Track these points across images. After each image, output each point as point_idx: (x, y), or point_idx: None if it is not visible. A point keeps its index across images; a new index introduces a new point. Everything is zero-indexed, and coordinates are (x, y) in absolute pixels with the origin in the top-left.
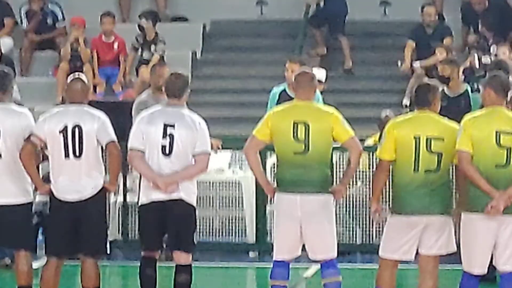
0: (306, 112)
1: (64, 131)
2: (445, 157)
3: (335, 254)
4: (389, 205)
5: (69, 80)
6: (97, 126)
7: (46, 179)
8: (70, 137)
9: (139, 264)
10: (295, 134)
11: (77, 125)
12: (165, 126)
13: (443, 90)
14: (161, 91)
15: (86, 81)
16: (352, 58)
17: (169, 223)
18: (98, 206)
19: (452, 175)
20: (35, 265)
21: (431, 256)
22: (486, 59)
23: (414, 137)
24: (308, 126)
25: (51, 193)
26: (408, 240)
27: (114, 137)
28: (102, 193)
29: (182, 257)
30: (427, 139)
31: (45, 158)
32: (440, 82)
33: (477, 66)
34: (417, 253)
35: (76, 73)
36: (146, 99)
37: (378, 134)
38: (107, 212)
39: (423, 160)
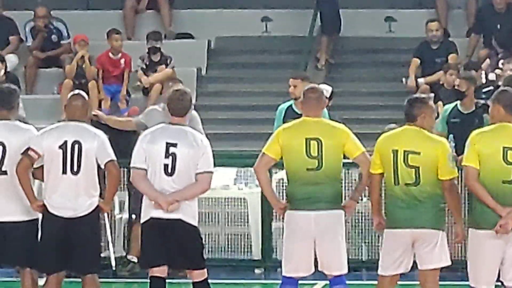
0: (317, 129)
1: (63, 146)
2: (422, 171)
3: (346, 270)
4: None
5: (69, 96)
6: (96, 144)
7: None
8: (69, 153)
9: (143, 281)
10: (308, 151)
11: (77, 142)
12: (168, 145)
13: (456, 106)
14: None
15: (86, 98)
16: (356, 74)
17: (171, 244)
18: (91, 224)
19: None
20: (41, 282)
21: (427, 270)
22: (492, 76)
23: (392, 151)
24: (321, 142)
25: (44, 209)
26: (400, 254)
27: (114, 156)
28: (96, 212)
29: (196, 274)
30: (404, 153)
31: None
32: (454, 96)
33: (484, 81)
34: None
35: (76, 90)
36: (157, 109)
37: None
38: (102, 231)
39: (401, 174)
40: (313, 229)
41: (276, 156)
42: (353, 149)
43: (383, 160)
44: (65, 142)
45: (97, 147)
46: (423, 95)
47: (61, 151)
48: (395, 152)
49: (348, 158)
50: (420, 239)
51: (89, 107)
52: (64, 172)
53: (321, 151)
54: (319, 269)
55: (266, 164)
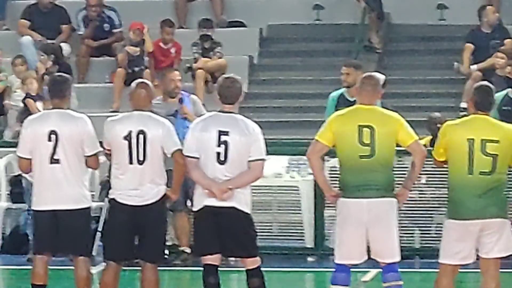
0: (370, 116)
1: (128, 137)
2: (500, 159)
3: (399, 258)
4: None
5: (133, 86)
6: (162, 133)
7: (104, 184)
8: (134, 143)
9: (195, 269)
10: (360, 138)
11: (142, 131)
12: (219, 133)
13: (507, 94)
14: (171, 96)
15: (150, 86)
16: (406, 61)
17: (224, 231)
18: (159, 212)
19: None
20: (94, 270)
21: (491, 259)
22: None
23: (468, 140)
24: (374, 130)
25: (111, 198)
26: (466, 245)
27: (180, 145)
28: (163, 200)
29: (249, 262)
30: (481, 141)
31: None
32: (506, 84)
33: None
34: (477, 257)
35: (140, 79)
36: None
37: (429, 137)
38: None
39: (477, 163)
40: (365, 216)
41: (329, 143)
42: (406, 137)
43: (454, 149)
44: (130, 132)
45: (162, 135)
46: (489, 84)
47: (126, 141)
48: (471, 141)
49: (400, 146)
50: (488, 228)
51: (153, 96)
52: (131, 162)
53: (374, 139)
54: (372, 256)
55: (319, 151)
